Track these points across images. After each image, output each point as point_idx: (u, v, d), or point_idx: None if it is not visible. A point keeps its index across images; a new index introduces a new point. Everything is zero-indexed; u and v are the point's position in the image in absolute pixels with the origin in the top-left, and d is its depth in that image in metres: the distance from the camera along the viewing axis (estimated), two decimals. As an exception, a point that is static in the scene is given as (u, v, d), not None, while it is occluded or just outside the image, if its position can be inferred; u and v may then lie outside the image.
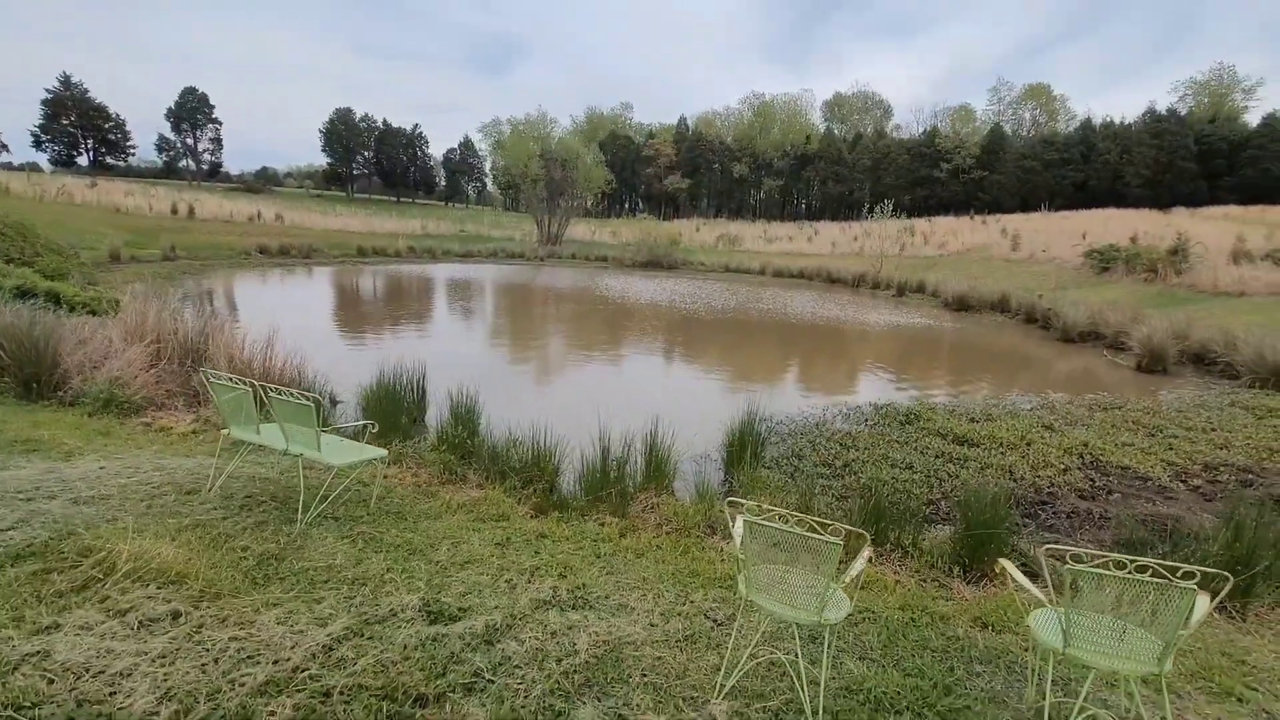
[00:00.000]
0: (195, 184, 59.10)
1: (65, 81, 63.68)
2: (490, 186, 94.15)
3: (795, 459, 6.14)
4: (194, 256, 24.13)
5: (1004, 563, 2.51)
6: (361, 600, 2.81)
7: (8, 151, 62.56)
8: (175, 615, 2.47)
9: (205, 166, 74.09)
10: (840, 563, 2.32)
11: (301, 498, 3.75)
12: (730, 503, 2.38)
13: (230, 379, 3.84)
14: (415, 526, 3.92)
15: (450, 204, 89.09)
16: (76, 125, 63.64)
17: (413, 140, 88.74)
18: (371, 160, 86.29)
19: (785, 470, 5.81)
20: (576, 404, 7.87)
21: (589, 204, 60.65)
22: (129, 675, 2.09)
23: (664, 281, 27.21)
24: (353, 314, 15.35)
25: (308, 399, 3.60)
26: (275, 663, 2.25)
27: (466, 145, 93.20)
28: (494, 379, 9.04)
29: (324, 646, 2.38)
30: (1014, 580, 2.44)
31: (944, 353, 14.29)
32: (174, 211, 32.81)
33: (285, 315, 12.34)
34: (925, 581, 3.85)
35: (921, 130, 78.97)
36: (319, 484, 4.10)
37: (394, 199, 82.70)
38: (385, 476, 4.68)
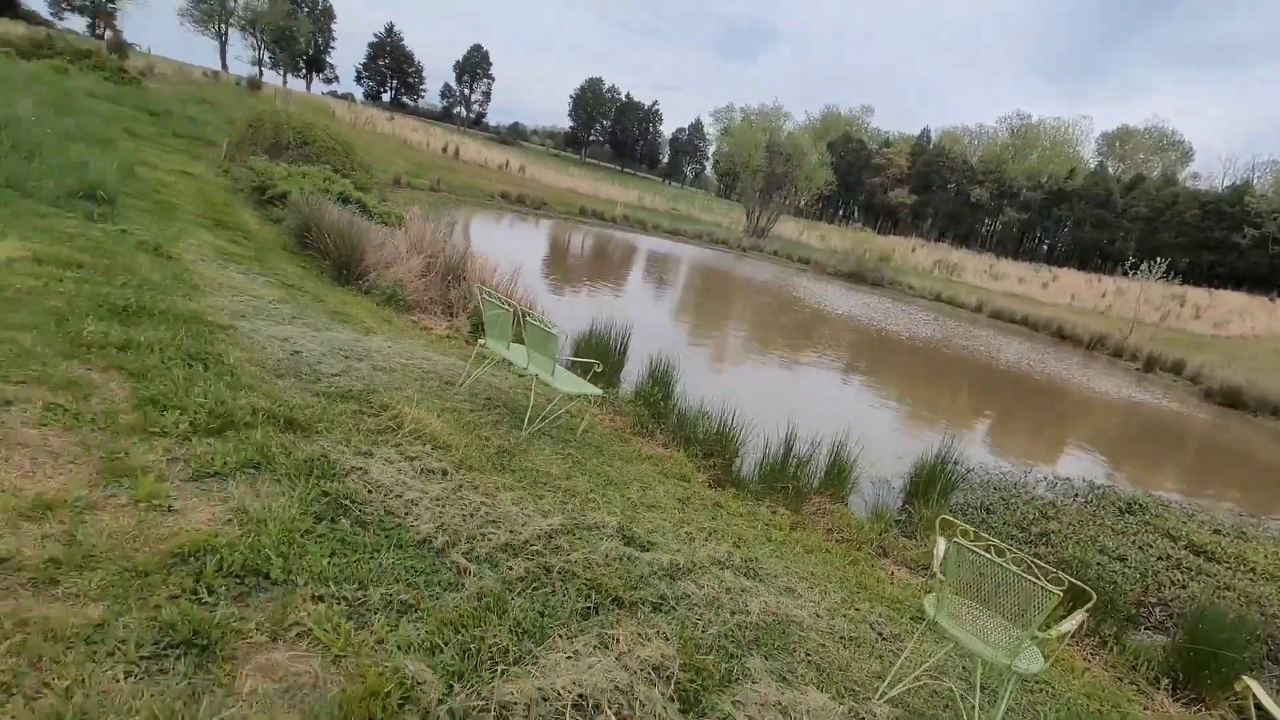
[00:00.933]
0: (462, 129, 67.79)
1: (389, 29, 76.50)
2: (709, 170, 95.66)
3: (984, 511, 5.73)
4: (452, 191, 27.85)
5: (1250, 682, 2.23)
6: (573, 508, 3.27)
7: (337, 82, 76.64)
8: (444, 472, 3.10)
9: (472, 115, 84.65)
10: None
11: (529, 412, 4.38)
12: (943, 520, 2.39)
13: (499, 299, 4.56)
14: (610, 463, 4.38)
15: (667, 181, 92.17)
16: (388, 67, 76.31)
17: (648, 116, 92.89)
18: (608, 130, 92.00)
19: (971, 520, 5.45)
20: (754, 396, 8.00)
21: (802, 203, 59.12)
22: (416, 504, 2.70)
23: (864, 296, 25.90)
24: (564, 266, 16.81)
25: (554, 330, 4.17)
26: (511, 531, 2.75)
27: (696, 128, 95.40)
28: (677, 352, 9.47)
29: (545, 533, 2.84)
30: (1260, 704, 2.16)
31: (1190, 448, 12.04)
32: (444, 150, 37.93)
33: (517, 255, 13.93)
34: (1121, 680, 3.47)
35: (1228, 184, 65.10)
36: (541, 404, 4.73)
37: (619, 168, 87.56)
38: (589, 414, 5.24)
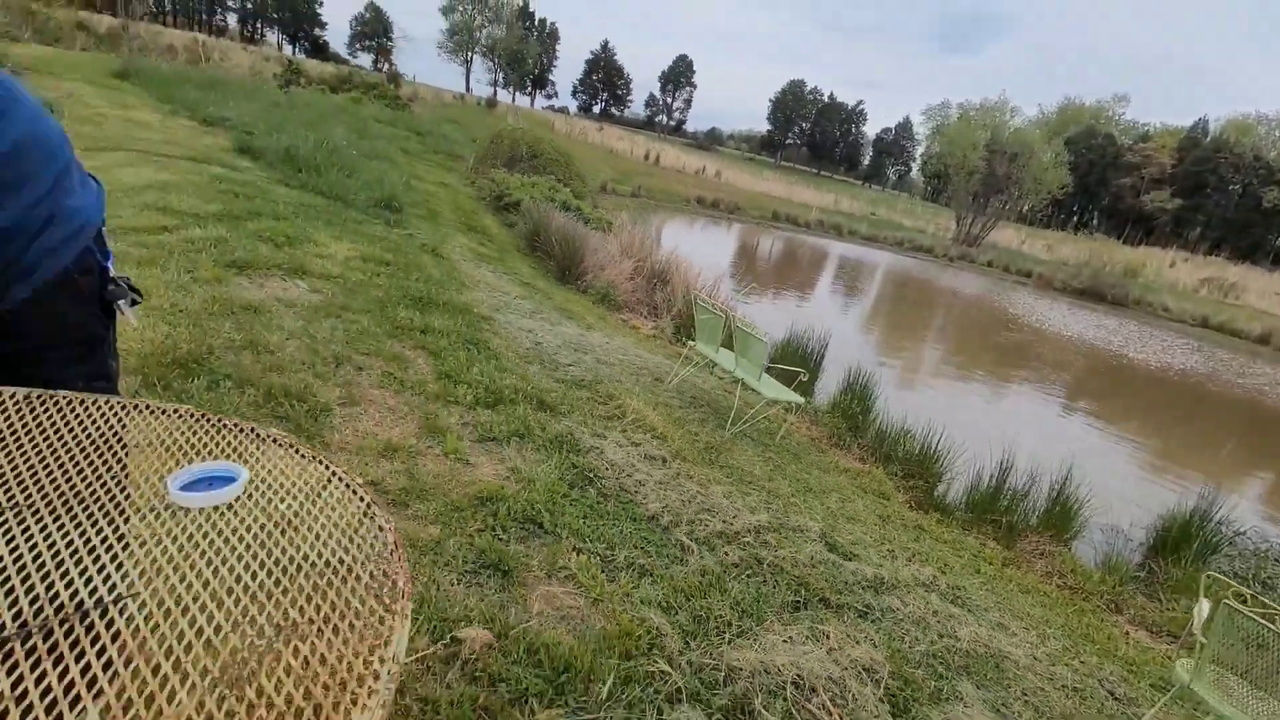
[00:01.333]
0: (662, 136, 70.79)
1: (604, 46, 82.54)
2: (915, 173, 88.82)
3: (1259, 585, 4.79)
4: (651, 197, 29.27)
5: None
6: (776, 509, 3.44)
7: (555, 97, 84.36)
8: (664, 460, 3.45)
9: (673, 123, 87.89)
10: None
11: (733, 413, 4.62)
12: (1212, 577, 2.17)
13: (711, 305, 4.87)
14: (808, 470, 4.47)
15: (867, 184, 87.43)
16: (600, 81, 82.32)
17: (851, 116, 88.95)
18: (806, 132, 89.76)
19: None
20: (958, 418, 7.43)
21: (1026, 208, 52.38)
22: (643, 485, 3.07)
23: (1101, 317, 22.32)
24: (754, 270, 16.86)
25: (764, 338, 4.36)
26: (724, 521, 3.00)
27: (903, 127, 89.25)
28: (868, 364, 9.08)
29: (754, 528, 3.05)
30: None
31: None
32: (646, 157, 39.94)
33: (709, 259, 14.32)
34: None
35: None
36: (743, 407, 4.95)
37: (814, 171, 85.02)
38: (786, 420, 5.35)
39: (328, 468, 0.90)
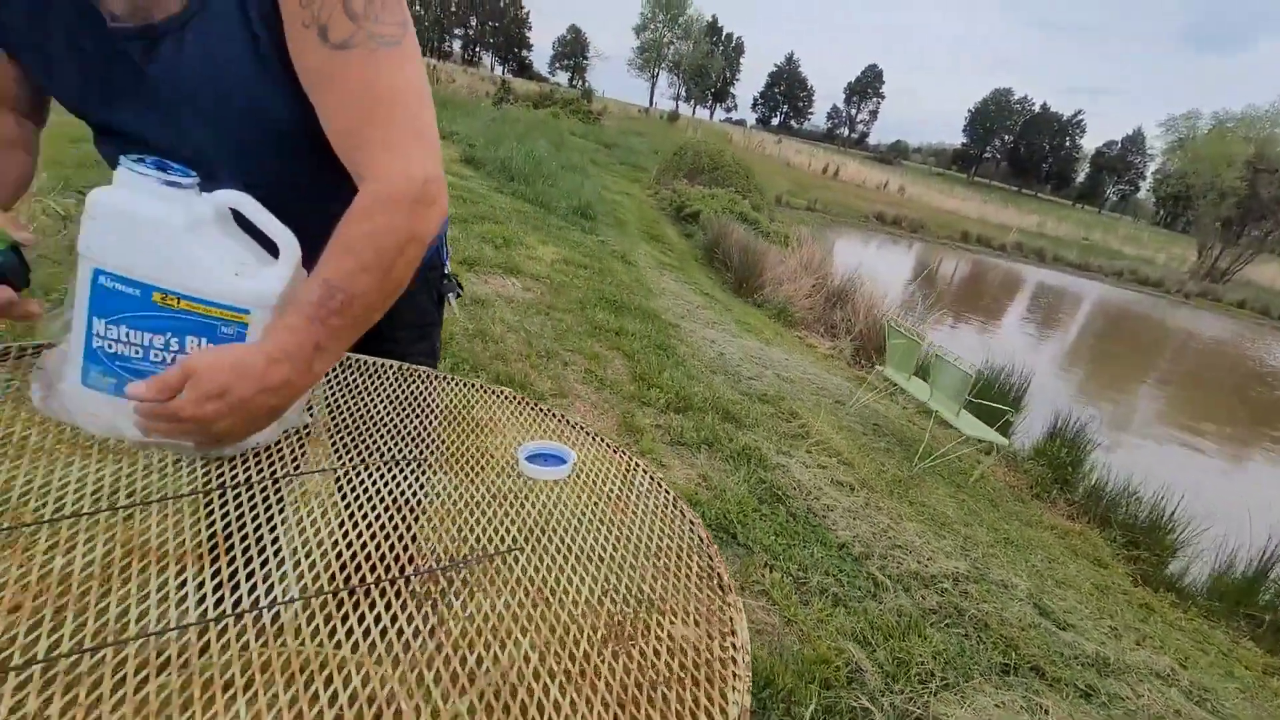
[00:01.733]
0: (842, 150, 68.26)
1: (788, 59, 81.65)
2: (1144, 193, 76.67)
3: None
4: (827, 211, 28.31)
5: None
6: (975, 557, 3.15)
7: (734, 110, 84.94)
8: (851, 487, 3.32)
9: (855, 135, 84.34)
10: None
11: (922, 447, 4.31)
12: None
13: (906, 330, 4.60)
14: (1008, 521, 4.03)
15: (1079, 205, 77.04)
16: (782, 94, 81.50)
17: (1065, 128, 79.04)
18: (1008, 145, 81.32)
19: None
20: (1195, 483, 6.24)
21: (1301, 241, 42.79)
22: (832, 510, 2.98)
23: None
24: (935, 292, 15.55)
25: (970, 370, 4.02)
26: (918, 561, 2.81)
27: (1131, 140, 77.41)
28: (1068, 408, 7.92)
29: (951, 574, 2.82)
30: None
31: None
32: (824, 171, 38.73)
33: (885, 278, 13.50)
34: None
35: None
36: (933, 441, 4.61)
37: (1015, 188, 76.75)
38: (981, 462, 4.87)
39: (632, 459, 0.99)
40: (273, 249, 0.75)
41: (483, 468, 0.88)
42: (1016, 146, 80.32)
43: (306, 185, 0.86)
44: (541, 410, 1.09)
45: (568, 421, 1.07)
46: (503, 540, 0.74)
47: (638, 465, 0.98)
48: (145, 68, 0.74)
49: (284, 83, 0.75)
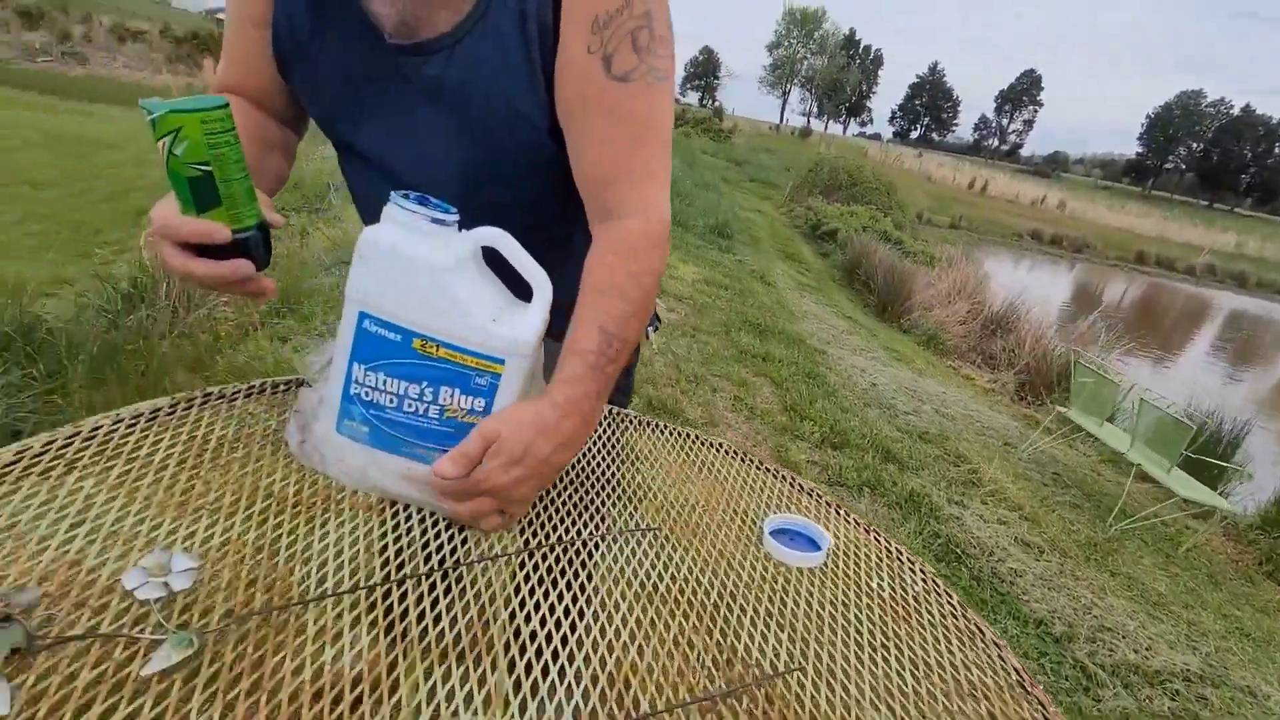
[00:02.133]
0: (991, 163, 63.17)
1: (932, 68, 77.20)
2: (1383, 207, 64.35)
3: None
4: (973, 229, 26.19)
5: None
6: (1207, 652, 2.60)
7: (870, 124, 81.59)
8: (1040, 550, 2.89)
9: (1006, 147, 77.81)
10: None
11: (1118, 505, 3.71)
12: None
13: (1100, 368, 4.01)
14: (1236, 605, 3.34)
15: (1291, 222, 65.63)
16: (923, 105, 77.09)
17: (1272, 133, 67.88)
18: (1196, 154, 71.25)
19: None
20: None
21: None
22: (1021, 576, 2.59)
23: None
24: (1105, 320, 13.69)
25: (1189, 423, 3.40)
26: (1135, 650, 2.36)
27: (1369, 144, 64.96)
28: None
29: (1181, 672, 2.33)
30: None
31: None
32: (970, 186, 36.04)
33: (1041, 302, 12.10)
34: None
35: None
36: (1130, 498, 3.96)
37: (1204, 203, 67.00)
38: (1193, 529, 4.12)
39: (893, 546, 0.82)
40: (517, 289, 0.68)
41: (719, 538, 0.76)
42: (1208, 155, 69.82)
43: (554, 214, 0.81)
44: (765, 469, 0.96)
45: (800, 487, 0.93)
46: (771, 648, 0.61)
47: (900, 554, 0.82)
48: (415, 82, 0.71)
49: (546, 104, 0.71)
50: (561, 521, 0.72)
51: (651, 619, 0.61)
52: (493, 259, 0.67)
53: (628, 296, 0.67)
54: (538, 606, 0.59)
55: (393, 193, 0.64)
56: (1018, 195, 36.48)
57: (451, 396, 0.65)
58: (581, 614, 0.60)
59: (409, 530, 0.65)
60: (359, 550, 0.59)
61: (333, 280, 4.07)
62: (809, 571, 0.75)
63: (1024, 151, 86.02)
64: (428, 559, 0.61)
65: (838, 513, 0.89)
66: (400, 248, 0.62)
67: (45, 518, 0.50)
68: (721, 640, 0.61)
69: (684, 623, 0.62)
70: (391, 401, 0.65)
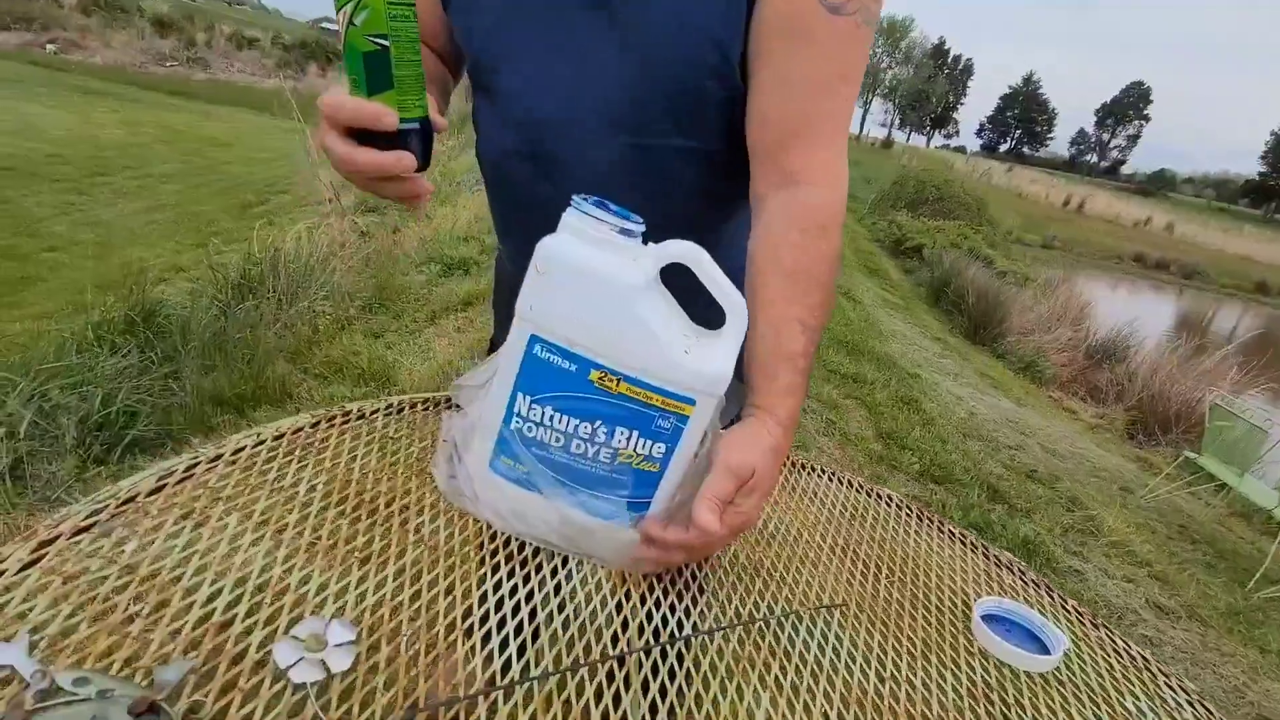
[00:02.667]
0: (1089, 180, 59.26)
1: (1026, 79, 73.28)
2: None
3: None
4: (1068, 250, 24.59)
5: None
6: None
7: (956, 136, 78.29)
8: (1176, 616, 2.57)
9: (1106, 163, 72.88)
10: None
11: (1263, 568, 3.27)
12: None
13: (1244, 412, 3.57)
14: None
15: None
16: (1016, 118, 73.22)
17: None
18: (1329, 175, 64.73)
19: None
20: None
21: None
22: (1158, 646, 2.29)
23: None
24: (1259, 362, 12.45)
25: (1361, 479, 2.96)
26: (1301, 748, 2.03)
27: None
28: None
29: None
30: None
31: None
32: (1065, 204, 33.98)
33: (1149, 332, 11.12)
34: None
35: None
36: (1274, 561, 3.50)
37: (1337, 230, 60.56)
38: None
39: (1138, 654, 0.67)
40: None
41: (913, 620, 0.63)
42: (1343, 177, 63.15)
43: (721, 175, 0.68)
44: (948, 532, 0.82)
45: (996, 560, 0.78)
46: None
47: (1146, 661, 0.66)
48: (593, 10, 0.61)
49: (741, 28, 0.59)
50: (732, 593, 0.61)
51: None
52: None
53: (822, 283, 0.59)
54: (740, 695, 0.48)
55: (574, 197, 0.54)
56: (1118, 215, 34.10)
57: (628, 439, 0.55)
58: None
59: (584, 589, 0.55)
60: (535, 615, 0.50)
61: (424, 278, 4.14)
62: (1038, 677, 0.61)
63: (1126, 169, 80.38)
64: (611, 626, 0.51)
65: (1049, 595, 0.74)
66: (586, 263, 0.52)
67: (190, 563, 0.43)
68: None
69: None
70: (557, 440, 0.56)
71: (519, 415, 0.56)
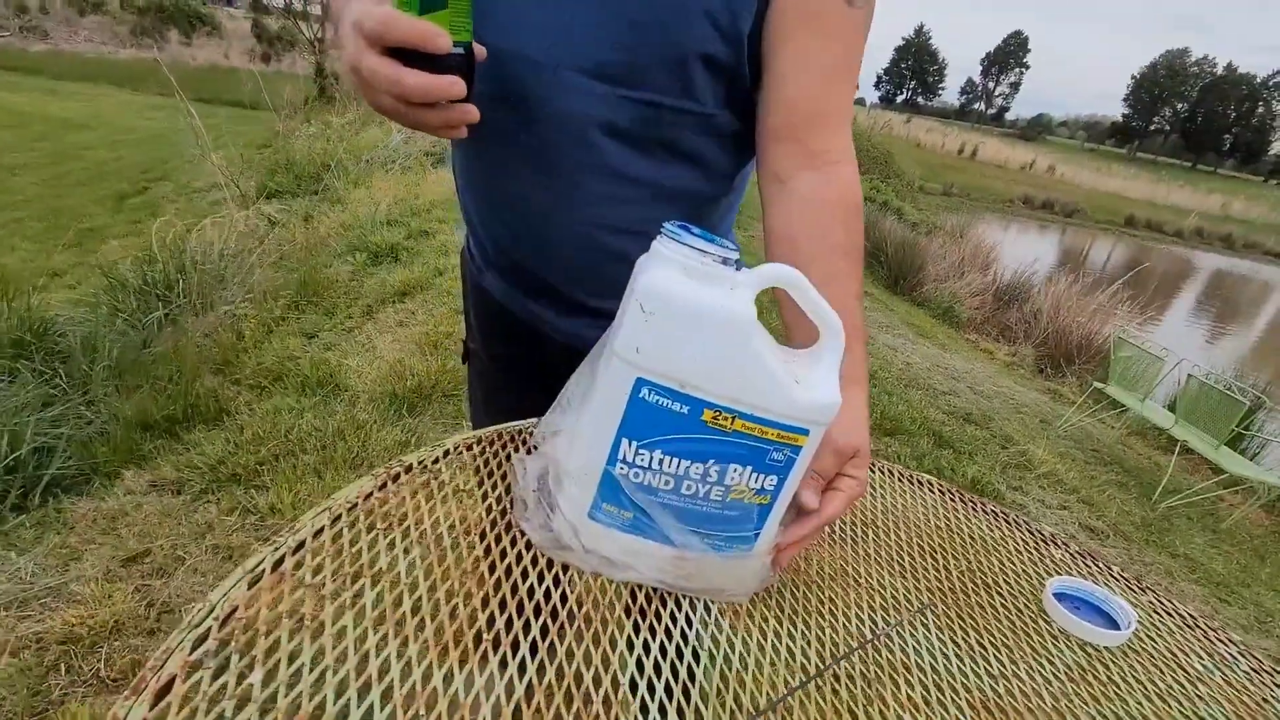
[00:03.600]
0: (977, 127, 62.76)
1: (918, 31, 76.05)
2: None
3: None
4: (966, 196, 26.10)
5: None
6: None
7: (857, 89, 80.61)
8: (1105, 535, 2.84)
9: (993, 110, 77.33)
10: None
11: (1162, 483, 3.68)
12: None
13: (1143, 344, 3.95)
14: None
15: (1273, 181, 66.20)
16: (909, 69, 76.10)
17: (1255, 91, 67.98)
18: (1181, 115, 71.30)
19: None
20: None
21: None
22: (1093, 564, 2.54)
23: None
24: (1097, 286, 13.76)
25: (1243, 399, 3.35)
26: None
27: (1350, 103, 65.33)
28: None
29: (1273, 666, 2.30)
30: None
31: None
32: (959, 152, 35.84)
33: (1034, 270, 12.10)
34: None
35: None
36: (1174, 477, 3.94)
37: (1187, 164, 67.28)
38: (1229, 503, 4.12)
39: (1206, 628, 0.72)
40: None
41: (985, 609, 0.65)
42: (1192, 116, 69.88)
43: (728, 134, 0.69)
44: (1007, 520, 0.85)
45: (1057, 544, 0.82)
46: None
47: (1194, 620, 0.72)
48: None
49: (748, 11, 0.60)
50: (835, 604, 0.61)
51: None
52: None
53: (860, 260, 0.63)
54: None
55: (664, 225, 0.51)
56: (1006, 160, 36.39)
57: (740, 476, 0.53)
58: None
59: (707, 629, 0.53)
60: (678, 674, 0.48)
61: (350, 269, 3.89)
62: (1116, 650, 0.65)
63: (1010, 115, 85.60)
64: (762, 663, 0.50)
65: (1094, 565, 0.79)
66: (698, 302, 0.49)
67: (326, 683, 0.38)
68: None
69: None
70: (668, 484, 0.53)
71: (625, 461, 0.53)
